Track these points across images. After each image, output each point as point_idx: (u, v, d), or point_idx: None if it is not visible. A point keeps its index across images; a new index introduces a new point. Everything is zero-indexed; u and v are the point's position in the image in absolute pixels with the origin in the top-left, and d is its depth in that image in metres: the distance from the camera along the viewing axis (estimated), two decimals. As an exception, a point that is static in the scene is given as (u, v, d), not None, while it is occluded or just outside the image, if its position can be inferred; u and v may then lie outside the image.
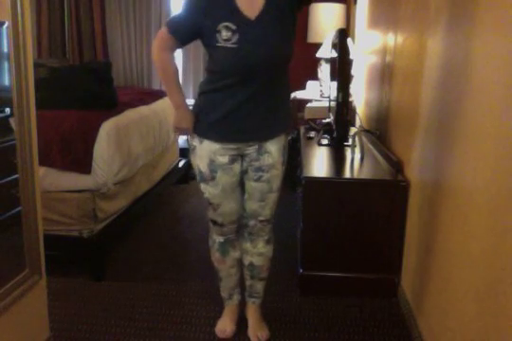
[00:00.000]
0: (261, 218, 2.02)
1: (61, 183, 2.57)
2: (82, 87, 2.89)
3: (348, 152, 2.83)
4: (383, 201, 2.34)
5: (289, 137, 3.95)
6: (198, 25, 1.73)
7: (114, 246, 2.92)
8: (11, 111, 1.60)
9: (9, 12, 1.53)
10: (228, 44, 1.71)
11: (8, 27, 1.54)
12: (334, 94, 2.88)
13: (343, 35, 2.64)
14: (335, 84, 2.77)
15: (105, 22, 4.79)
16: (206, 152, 1.88)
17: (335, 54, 2.81)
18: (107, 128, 2.66)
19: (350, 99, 3.19)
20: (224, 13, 1.72)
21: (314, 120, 3.47)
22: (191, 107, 1.93)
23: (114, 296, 2.45)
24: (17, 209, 1.70)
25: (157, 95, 3.79)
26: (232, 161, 1.90)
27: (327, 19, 4.23)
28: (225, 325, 2.15)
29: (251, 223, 2.04)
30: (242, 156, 1.93)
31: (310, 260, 2.45)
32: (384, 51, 3.01)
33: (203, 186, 1.95)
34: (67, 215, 2.56)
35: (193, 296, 2.44)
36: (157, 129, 3.38)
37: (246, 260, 2.11)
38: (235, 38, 1.71)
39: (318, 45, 4.08)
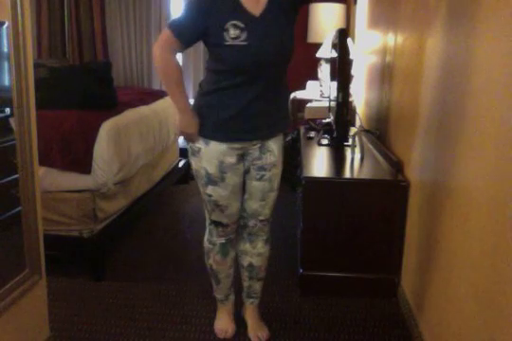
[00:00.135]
0: (261, 217, 2.02)
1: (61, 183, 2.57)
2: (82, 87, 2.89)
3: (348, 152, 2.82)
4: (383, 201, 2.34)
5: (289, 137, 3.99)
6: (203, 25, 1.71)
7: (114, 246, 2.92)
8: (11, 111, 1.60)
9: (8, 12, 1.53)
10: (238, 42, 1.70)
11: (8, 27, 1.54)
12: (334, 94, 2.88)
13: (343, 35, 2.64)
14: (335, 84, 2.77)
15: (105, 22, 4.79)
16: (214, 154, 1.85)
17: (335, 54, 2.81)
18: (107, 128, 2.66)
19: (350, 99, 3.19)
20: (230, 12, 1.71)
21: (314, 120, 3.47)
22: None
23: (114, 296, 2.45)
24: (17, 209, 1.70)
25: (157, 95, 3.79)
26: (238, 161, 1.90)
27: (327, 19, 4.23)
28: (226, 325, 2.15)
29: (251, 223, 2.03)
30: (243, 156, 1.93)
31: (310, 260, 2.45)
32: (384, 51, 3.01)
33: (211, 188, 1.90)
34: (67, 215, 2.56)
35: (193, 296, 2.44)
36: (157, 129, 3.38)
37: (245, 262, 2.11)
38: (244, 36, 1.70)
39: (318, 45, 4.08)
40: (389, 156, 2.57)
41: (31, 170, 1.72)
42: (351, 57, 3.03)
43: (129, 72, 4.91)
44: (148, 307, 2.34)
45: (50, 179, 2.54)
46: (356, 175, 2.58)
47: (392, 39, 2.81)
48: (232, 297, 2.19)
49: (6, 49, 1.55)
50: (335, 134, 2.92)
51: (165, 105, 3.54)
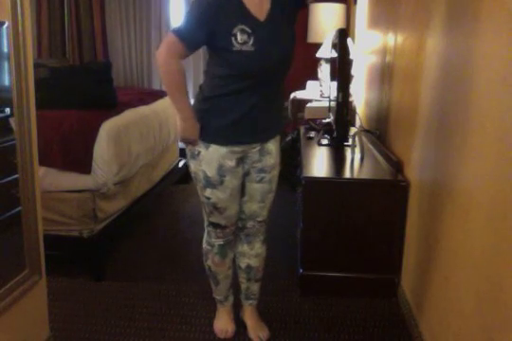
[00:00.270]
0: (259, 219, 2.03)
1: (61, 183, 2.57)
2: (81, 87, 2.89)
3: (348, 152, 2.82)
4: (383, 201, 2.34)
5: (289, 137, 3.99)
6: (210, 30, 1.68)
7: (114, 246, 2.92)
8: (11, 111, 1.60)
9: (9, 12, 1.53)
10: (245, 48, 1.70)
11: (8, 27, 1.54)
12: (334, 94, 2.88)
13: (343, 35, 2.64)
14: (335, 84, 2.77)
15: (105, 21, 4.79)
16: (214, 157, 1.84)
17: (335, 54, 2.81)
18: (107, 128, 2.66)
19: (350, 99, 3.19)
20: (237, 16, 1.70)
21: (314, 120, 3.47)
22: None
23: (114, 296, 2.45)
24: (17, 209, 1.70)
25: (157, 95, 3.79)
26: (238, 164, 1.90)
27: (327, 19, 4.22)
28: (225, 325, 2.15)
29: (249, 224, 2.04)
30: (242, 159, 1.93)
31: (310, 260, 2.45)
32: (384, 51, 3.01)
33: (209, 191, 1.90)
34: (67, 215, 2.56)
35: (193, 296, 2.44)
36: (157, 129, 3.38)
37: (243, 263, 2.11)
38: (251, 41, 1.70)
39: (318, 45, 4.07)
40: (389, 156, 2.57)
41: (31, 170, 1.72)
42: (351, 57, 3.03)
43: (129, 72, 4.91)
44: (148, 307, 2.34)
45: (50, 179, 2.54)
46: (356, 175, 2.58)
47: (391, 39, 2.81)
48: (231, 298, 2.19)
49: (6, 49, 1.55)
50: (335, 134, 2.92)
51: (165, 105, 3.53)
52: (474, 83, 1.56)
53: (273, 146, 1.95)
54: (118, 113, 2.92)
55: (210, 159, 1.85)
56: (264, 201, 1.99)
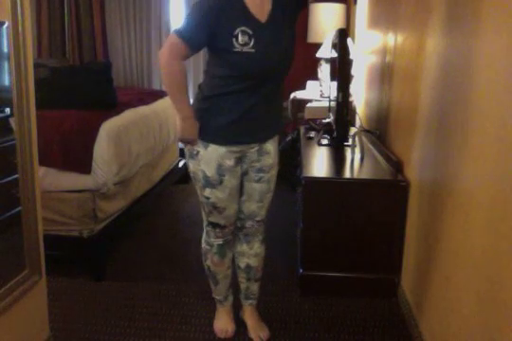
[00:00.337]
0: (257, 218, 2.04)
1: (61, 183, 2.57)
2: (81, 87, 2.89)
3: (348, 152, 2.83)
4: (383, 201, 2.34)
5: (289, 137, 3.99)
6: (212, 31, 1.69)
7: (114, 246, 2.92)
8: (11, 111, 1.60)
9: (9, 12, 1.53)
10: (246, 49, 1.70)
11: (8, 27, 1.54)
12: (334, 94, 2.88)
13: (343, 35, 2.64)
14: (335, 84, 2.77)
15: (105, 21, 4.79)
16: (213, 157, 1.85)
17: (335, 54, 2.81)
18: (107, 128, 2.66)
19: (350, 99, 3.19)
20: (239, 17, 1.70)
21: (314, 120, 3.47)
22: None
23: (114, 295, 2.45)
24: (17, 209, 1.70)
25: (157, 95, 3.79)
26: (236, 163, 1.90)
27: (327, 19, 4.22)
28: (225, 325, 2.15)
29: (248, 224, 2.04)
30: (241, 158, 1.93)
31: (310, 260, 2.45)
32: (384, 51, 3.01)
33: (208, 191, 1.91)
34: (67, 215, 2.56)
35: (193, 296, 2.44)
36: (157, 129, 3.38)
37: (243, 263, 2.12)
38: (252, 42, 1.70)
39: (318, 45, 4.07)
40: (389, 156, 2.57)
41: (31, 170, 1.72)
42: (351, 57, 3.03)
43: (129, 72, 4.91)
44: (148, 307, 2.34)
45: (50, 179, 2.54)
46: (355, 175, 2.59)
47: (391, 39, 2.81)
48: (231, 298, 2.19)
49: (6, 49, 1.55)
50: (335, 134, 2.92)
51: (165, 105, 3.53)
52: (474, 83, 1.56)
53: (271, 146, 1.96)
54: (118, 113, 2.92)
55: (209, 159, 1.85)
56: (262, 200, 2.00)
